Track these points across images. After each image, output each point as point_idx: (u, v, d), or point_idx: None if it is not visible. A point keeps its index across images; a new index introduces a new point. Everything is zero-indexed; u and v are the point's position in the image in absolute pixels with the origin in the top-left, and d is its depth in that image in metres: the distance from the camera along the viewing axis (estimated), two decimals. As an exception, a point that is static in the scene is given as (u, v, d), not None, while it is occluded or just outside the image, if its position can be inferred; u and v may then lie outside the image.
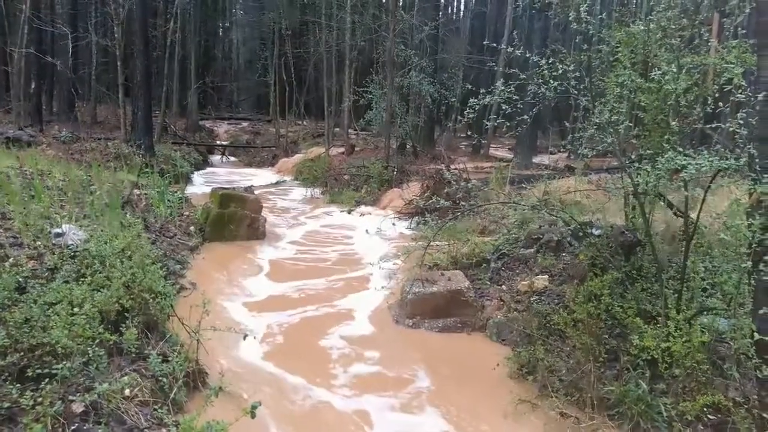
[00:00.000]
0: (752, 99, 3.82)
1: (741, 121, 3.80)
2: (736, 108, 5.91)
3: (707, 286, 4.56)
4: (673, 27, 4.29)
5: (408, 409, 4.23)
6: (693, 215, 4.40)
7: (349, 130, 21.75)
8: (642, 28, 4.38)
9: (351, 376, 4.72)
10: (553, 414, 3.95)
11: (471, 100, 4.94)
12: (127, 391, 3.27)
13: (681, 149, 3.81)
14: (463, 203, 5.74)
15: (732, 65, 3.85)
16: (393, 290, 6.48)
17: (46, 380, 2.95)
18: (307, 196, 14.62)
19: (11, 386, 2.88)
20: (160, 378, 3.60)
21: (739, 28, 4.54)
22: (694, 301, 4.37)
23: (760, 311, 3.31)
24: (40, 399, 2.76)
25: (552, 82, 4.48)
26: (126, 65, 16.25)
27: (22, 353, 3.17)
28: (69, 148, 13.55)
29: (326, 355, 5.08)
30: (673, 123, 4.04)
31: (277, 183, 17.14)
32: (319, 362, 4.94)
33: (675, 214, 5.26)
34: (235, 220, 8.92)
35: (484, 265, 6.63)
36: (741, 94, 3.82)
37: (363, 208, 12.50)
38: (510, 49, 4.86)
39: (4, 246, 4.89)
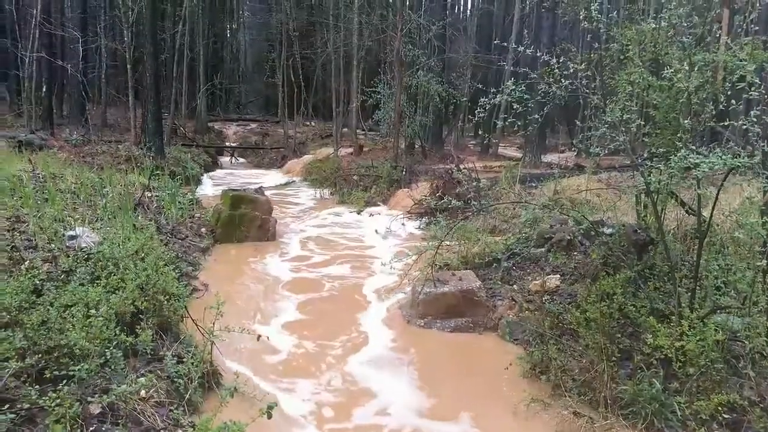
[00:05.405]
0: (766, 96, 3.80)
1: (754, 119, 3.77)
2: (746, 105, 5.87)
3: (721, 285, 4.54)
4: (684, 24, 4.27)
5: (420, 408, 4.23)
6: (705, 213, 4.38)
7: (358, 131, 21.76)
8: (653, 25, 4.36)
9: (361, 374, 4.73)
10: (567, 413, 3.94)
11: (481, 99, 4.93)
12: (143, 392, 3.30)
13: (693, 147, 3.80)
14: (474, 203, 5.73)
15: (744, 62, 3.82)
16: (404, 290, 6.49)
17: (64, 382, 2.98)
18: (317, 196, 14.64)
19: (30, 388, 2.91)
20: (175, 379, 3.63)
21: (752, 25, 4.51)
22: (707, 300, 4.35)
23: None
24: (58, 401, 2.79)
25: (563, 80, 4.47)
26: (135, 68, 16.37)
27: (40, 355, 3.21)
28: (80, 150, 13.66)
29: (335, 354, 5.09)
30: (685, 121, 4.02)
31: (287, 184, 17.19)
32: (328, 359, 4.96)
33: (687, 212, 5.25)
34: (246, 222, 8.96)
35: (495, 264, 6.63)
36: (755, 91, 3.79)
37: (372, 209, 12.51)
38: (520, 48, 4.84)
39: (20, 249, 4.95)
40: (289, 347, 5.18)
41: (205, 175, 17.78)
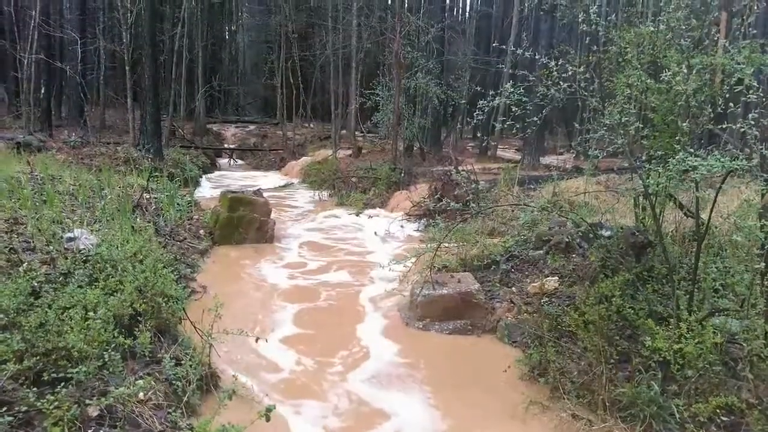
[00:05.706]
0: (764, 99, 3.81)
1: (752, 122, 3.78)
2: (744, 108, 5.88)
3: (719, 287, 4.54)
4: (683, 27, 4.28)
5: (419, 410, 4.22)
6: (704, 216, 4.38)
7: (356, 133, 21.77)
8: (651, 28, 4.37)
9: (359, 377, 4.72)
10: (565, 416, 3.94)
11: (480, 101, 4.93)
12: (141, 395, 3.29)
13: (691, 150, 3.80)
14: (473, 205, 5.73)
15: (742, 65, 3.83)
16: (403, 292, 6.48)
17: (62, 384, 2.97)
18: (315, 198, 14.64)
19: (28, 390, 2.90)
20: (173, 381, 3.63)
21: (750, 28, 4.51)
22: (705, 302, 4.35)
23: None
24: (56, 403, 2.79)
25: (562, 83, 4.47)
26: (134, 70, 16.37)
27: (37, 357, 3.20)
28: (79, 152, 13.65)
29: (338, 368, 5.00)
30: (684, 124, 4.02)
31: (285, 186, 17.17)
32: (327, 361, 4.96)
33: (686, 214, 5.25)
34: (245, 224, 8.95)
35: (494, 267, 6.63)
36: (753, 94, 3.80)
37: (371, 211, 12.50)
38: (519, 51, 4.85)
39: (18, 251, 4.94)
40: (291, 363, 4.93)
41: (203, 176, 17.75)
